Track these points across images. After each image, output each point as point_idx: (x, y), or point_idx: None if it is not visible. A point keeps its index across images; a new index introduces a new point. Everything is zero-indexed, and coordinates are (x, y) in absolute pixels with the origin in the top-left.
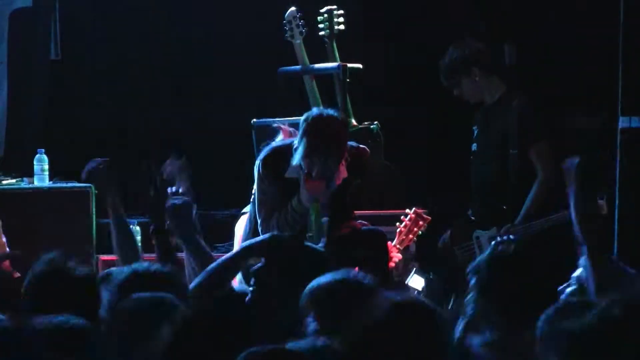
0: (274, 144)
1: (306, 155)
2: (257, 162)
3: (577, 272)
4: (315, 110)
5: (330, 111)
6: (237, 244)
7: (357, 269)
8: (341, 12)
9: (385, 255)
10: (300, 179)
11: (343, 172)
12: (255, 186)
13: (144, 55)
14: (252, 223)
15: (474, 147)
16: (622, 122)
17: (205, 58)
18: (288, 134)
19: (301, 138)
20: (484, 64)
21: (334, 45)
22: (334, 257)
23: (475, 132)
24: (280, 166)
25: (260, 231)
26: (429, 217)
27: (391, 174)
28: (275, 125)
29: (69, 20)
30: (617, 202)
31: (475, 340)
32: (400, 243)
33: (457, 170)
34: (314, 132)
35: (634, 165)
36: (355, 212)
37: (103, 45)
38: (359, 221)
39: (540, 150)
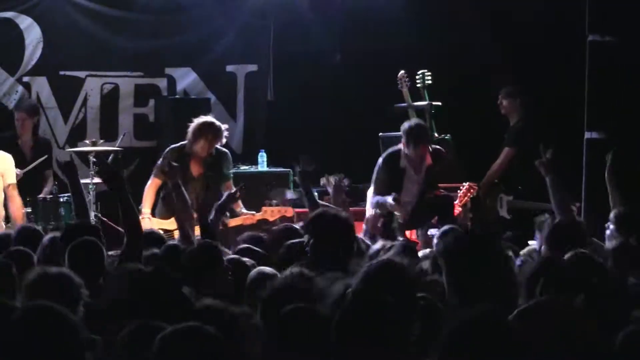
0: (392, 148)
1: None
2: (383, 155)
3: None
4: (408, 123)
5: (419, 122)
6: (368, 201)
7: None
8: (429, 73)
9: (452, 209)
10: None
11: (428, 160)
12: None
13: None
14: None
15: None
16: (587, 135)
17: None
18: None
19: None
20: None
21: (425, 91)
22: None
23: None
24: (394, 162)
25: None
26: (477, 187)
27: (458, 164)
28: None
29: (280, 74)
30: (583, 200)
31: None
32: (460, 201)
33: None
34: (410, 134)
35: (597, 169)
36: (439, 184)
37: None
38: (440, 190)
39: (504, 153)
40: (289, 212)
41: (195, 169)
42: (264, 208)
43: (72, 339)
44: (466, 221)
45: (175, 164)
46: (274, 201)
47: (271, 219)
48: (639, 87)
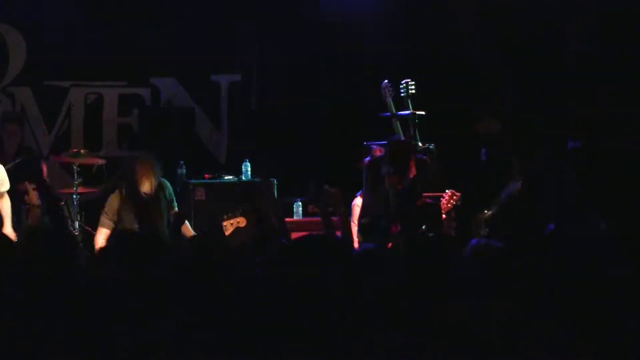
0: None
1: (386, 163)
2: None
3: None
4: (394, 137)
5: (402, 138)
6: (354, 214)
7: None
8: (413, 83)
9: (440, 215)
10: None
11: (413, 172)
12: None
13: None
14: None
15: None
16: (570, 144)
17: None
18: (378, 152)
19: (385, 153)
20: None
21: (409, 101)
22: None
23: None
24: (374, 169)
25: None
26: (459, 194)
27: (441, 173)
28: (372, 147)
29: (264, 83)
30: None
31: None
32: (443, 209)
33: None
34: (392, 150)
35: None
36: (423, 193)
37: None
38: (426, 198)
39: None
40: (242, 222)
41: None
42: (223, 223)
43: None
44: (450, 230)
45: None
46: (229, 214)
47: (227, 234)
48: (619, 95)
